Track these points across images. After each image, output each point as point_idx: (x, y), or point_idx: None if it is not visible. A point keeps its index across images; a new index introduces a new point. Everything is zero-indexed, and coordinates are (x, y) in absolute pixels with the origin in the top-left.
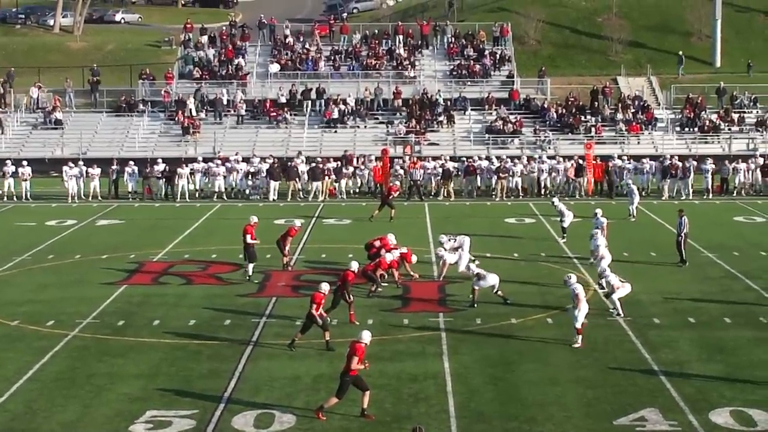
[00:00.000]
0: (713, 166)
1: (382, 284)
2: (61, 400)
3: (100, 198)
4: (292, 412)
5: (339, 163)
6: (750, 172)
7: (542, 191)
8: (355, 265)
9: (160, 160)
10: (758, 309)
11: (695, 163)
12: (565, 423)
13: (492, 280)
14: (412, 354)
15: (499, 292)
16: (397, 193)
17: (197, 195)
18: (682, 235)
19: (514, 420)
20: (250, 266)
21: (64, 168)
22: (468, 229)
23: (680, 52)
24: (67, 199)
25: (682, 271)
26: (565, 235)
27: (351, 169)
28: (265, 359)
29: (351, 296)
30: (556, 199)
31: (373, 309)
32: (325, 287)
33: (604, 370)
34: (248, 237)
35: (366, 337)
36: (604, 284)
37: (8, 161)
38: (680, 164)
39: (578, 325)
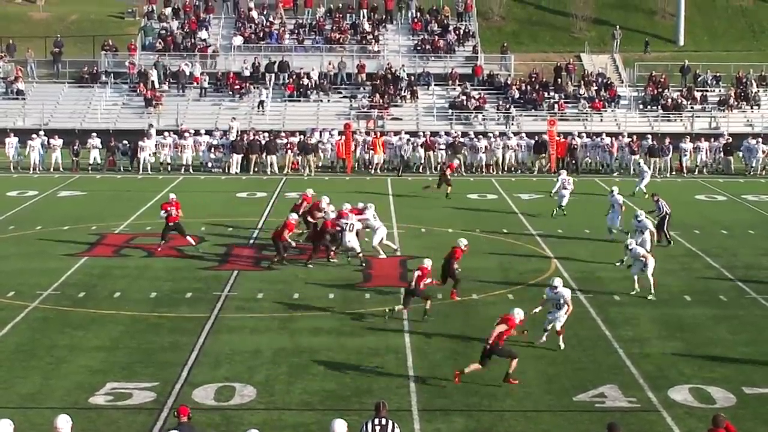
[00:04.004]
0: (692, 144)
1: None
2: (21, 371)
3: (62, 169)
4: (252, 385)
5: (302, 137)
6: (712, 151)
7: (505, 168)
8: (464, 242)
9: (153, 132)
10: (718, 287)
11: (667, 141)
12: (525, 399)
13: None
14: (373, 329)
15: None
16: (455, 171)
17: (162, 168)
18: (665, 217)
19: (474, 395)
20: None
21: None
22: (431, 204)
23: (646, 39)
24: (10, 168)
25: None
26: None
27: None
28: (226, 332)
29: (458, 273)
30: (564, 172)
31: (335, 283)
32: (428, 262)
33: (565, 346)
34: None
35: (518, 314)
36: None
37: None
38: (665, 143)
39: (559, 327)
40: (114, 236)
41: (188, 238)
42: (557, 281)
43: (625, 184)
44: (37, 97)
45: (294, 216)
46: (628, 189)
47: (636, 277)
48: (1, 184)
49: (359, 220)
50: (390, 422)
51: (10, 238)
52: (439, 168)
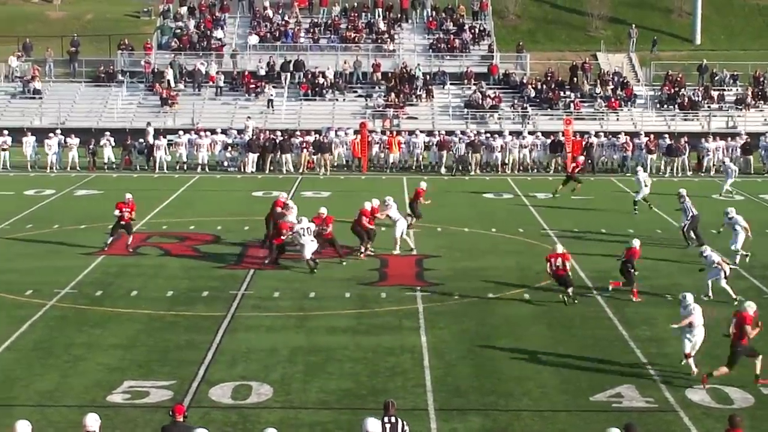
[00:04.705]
0: (715, 144)
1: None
2: (39, 369)
3: (78, 168)
4: (269, 383)
5: (318, 136)
6: (729, 150)
7: (521, 167)
8: (637, 243)
9: (151, 130)
10: (736, 287)
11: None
12: (541, 398)
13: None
14: (389, 328)
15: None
16: (581, 168)
17: (177, 167)
18: (691, 218)
19: (490, 394)
20: None
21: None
22: (446, 203)
23: (654, 38)
24: (27, 167)
25: (660, 249)
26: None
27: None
28: (243, 331)
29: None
30: (640, 169)
31: (351, 282)
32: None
33: (582, 346)
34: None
35: (751, 307)
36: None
37: None
38: (682, 142)
39: (687, 350)
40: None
41: (130, 238)
42: (730, 210)
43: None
44: (53, 97)
45: (290, 219)
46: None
47: (710, 282)
48: (19, 183)
49: (385, 216)
50: (399, 420)
51: (28, 236)
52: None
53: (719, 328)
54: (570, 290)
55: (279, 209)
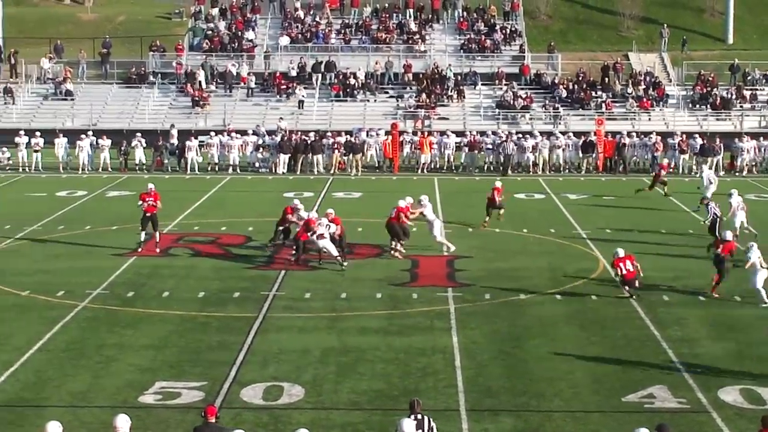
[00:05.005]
0: (751, 143)
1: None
2: (71, 370)
3: (110, 169)
4: (300, 384)
5: (349, 136)
6: (762, 149)
7: (552, 167)
8: (729, 235)
9: (175, 132)
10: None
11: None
12: (573, 399)
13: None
14: (420, 328)
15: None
16: (667, 171)
17: (209, 168)
18: (716, 220)
19: (522, 395)
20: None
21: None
22: (478, 204)
23: (684, 37)
24: (59, 169)
25: (692, 249)
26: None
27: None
28: (274, 332)
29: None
30: (705, 167)
31: (382, 283)
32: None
33: (613, 346)
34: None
35: None
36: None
37: (21, 132)
38: (717, 142)
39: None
40: (162, 236)
41: (158, 235)
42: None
43: (677, 183)
44: (85, 98)
45: (313, 214)
46: (680, 188)
47: (762, 290)
48: (51, 184)
49: (419, 213)
50: (426, 418)
51: (60, 237)
52: (652, 168)
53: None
54: (635, 292)
55: (289, 216)
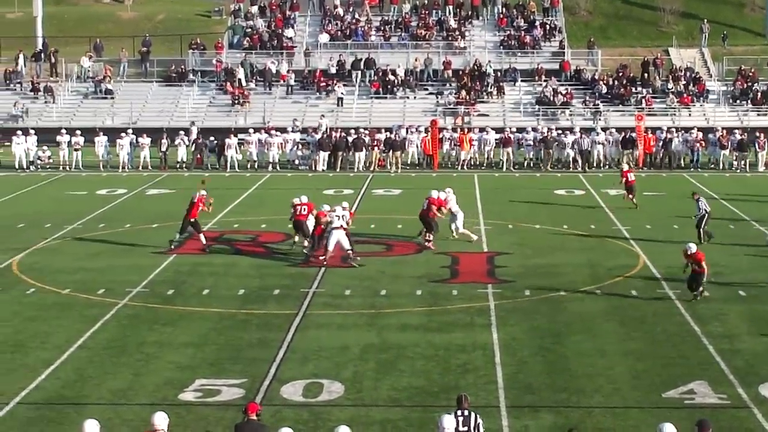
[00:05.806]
0: None
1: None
2: (111, 367)
3: (150, 167)
4: (340, 381)
5: (388, 134)
6: None
7: (593, 164)
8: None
9: (194, 129)
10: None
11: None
12: (613, 395)
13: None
14: (460, 325)
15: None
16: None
17: (248, 166)
18: (703, 216)
19: (562, 391)
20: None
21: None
22: (517, 200)
23: (724, 32)
24: (99, 167)
25: (732, 245)
26: None
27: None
28: (314, 329)
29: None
30: None
31: (422, 280)
32: None
33: (653, 342)
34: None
35: None
36: None
37: (62, 130)
38: (762, 138)
39: None
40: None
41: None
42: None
43: (712, 179)
44: (125, 96)
45: (325, 207)
46: (715, 185)
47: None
48: (91, 183)
49: (447, 208)
50: (473, 413)
51: (100, 236)
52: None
53: None
54: (700, 290)
55: (322, 218)
